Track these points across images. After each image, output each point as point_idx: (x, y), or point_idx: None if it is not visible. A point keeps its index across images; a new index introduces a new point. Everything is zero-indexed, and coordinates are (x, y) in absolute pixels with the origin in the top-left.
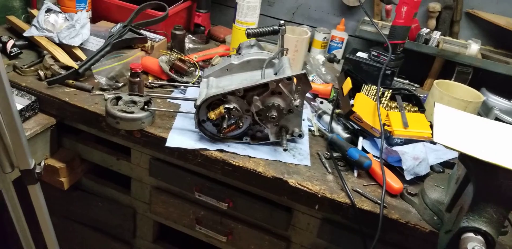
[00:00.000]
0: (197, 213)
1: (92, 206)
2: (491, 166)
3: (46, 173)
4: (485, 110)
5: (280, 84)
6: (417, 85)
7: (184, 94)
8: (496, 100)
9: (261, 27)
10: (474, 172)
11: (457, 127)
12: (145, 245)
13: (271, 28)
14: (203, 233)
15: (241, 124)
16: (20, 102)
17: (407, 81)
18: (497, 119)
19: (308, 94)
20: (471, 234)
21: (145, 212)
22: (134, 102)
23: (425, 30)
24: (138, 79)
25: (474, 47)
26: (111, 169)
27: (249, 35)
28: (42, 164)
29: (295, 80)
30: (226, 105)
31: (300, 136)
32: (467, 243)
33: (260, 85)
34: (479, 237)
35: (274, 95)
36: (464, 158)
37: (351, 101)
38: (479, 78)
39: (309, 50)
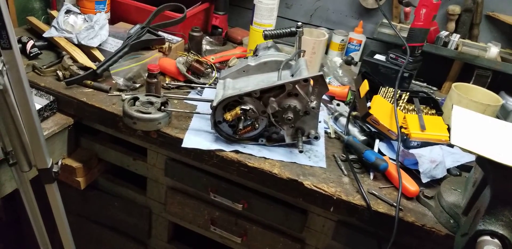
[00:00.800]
0: (212, 214)
1: (108, 206)
2: (509, 169)
3: (63, 173)
4: (504, 114)
5: (296, 86)
6: (435, 88)
7: (201, 95)
8: None
9: (279, 29)
10: (491, 175)
11: (475, 130)
12: (160, 245)
13: (289, 30)
14: (218, 233)
15: (257, 125)
16: (38, 102)
17: (425, 84)
18: None
19: (324, 97)
20: (487, 237)
21: (161, 212)
22: (151, 103)
23: (444, 33)
24: (155, 80)
25: (493, 50)
26: (127, 169)
27: (266, 37)
28: (60, 163)
29: (311, 82)
30: (243, 107)
31: (316, 137)
32: (483, 247)
33: (276, 86)
34: (496, 240)
35: (290, 97)
36: (481, 161)
37: (368, 104)
38: (499, 81)
39: (326, 52)
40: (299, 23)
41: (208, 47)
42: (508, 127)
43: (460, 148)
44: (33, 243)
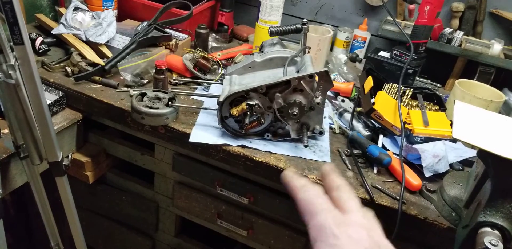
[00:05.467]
0: (218, 208)
1: (116, 200)
2: (510, 162)
3: (72, 167)
4: (506, 110)
5: (302, 81)
6: (438, 85)
7: (207, 91)
8: None
9: (284, 26)
10: (492, 168)
11: (476, 124)
12: (167, 239)
13: (294, 26)
14: (224, 227)
15: (263, 121)
16: (48, 97)
17: (429, 81)
18: None
19: (329, 93)
20: (488, 229)
21: (168, 206)
22: (159, 99)
23: (448, 30)
24: (163, 76)
25: (497, 47)
26: (135, 164)
27: (272, 34)
28: (70, 156)
29: (316, 78)
30: (249, 102)
31: (321, 133)
32: (483, 238)
33: (282, 82)
34: (496, 231)
35: (296, 93)
36: (483, 154)
37: (372, 100)
38: (502, 78)
39: (331, 49)
40: (305, 20)
41: (214, 44)
42: (510, 121)
43: (462, 141)
44: (41, 238)
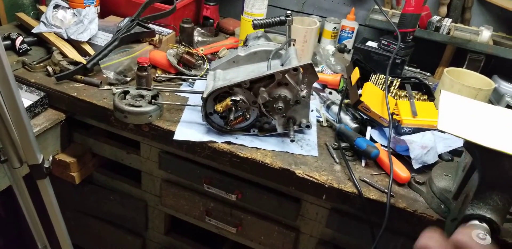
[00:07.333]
0: (207, 205)
1: (104, 200)
2: (496, 153)
3: (57, 168)
4: (496, 98)
5: (286, 75)
6: (428, 74)
7: (192, 87)
8: (508, 87)
9: (268, 18)
10: (479, 159)
11: (462, 114)
12: (157, 237)
13: (278, 19)
14: (213, 224)
15: (248, 116)
16: (29, 98)
17: (418, 70)
18: (508, 106)
19: (317, 85)
20: (476, 222)
21: (156, 204)
22: (142, 96)
23: (436, 18)
24: (146, 73)
25: (485, 34)
26: (122, 163)
27: (255, 27)
28: (51, 158)
29: (301, 70)
30: (233, 98)
31: (308, 126)
32: (472, 231)
33: (266, 76)
34: (484, 224)
35: (280, 87)
36: (469, 146)
37: (359, 91)
38: (492, 65)
39: (319, 40)
40: (289, 12)
41: (199, 39)
42: (496, 111)
43: (447, 132)
44: (32, 238)
